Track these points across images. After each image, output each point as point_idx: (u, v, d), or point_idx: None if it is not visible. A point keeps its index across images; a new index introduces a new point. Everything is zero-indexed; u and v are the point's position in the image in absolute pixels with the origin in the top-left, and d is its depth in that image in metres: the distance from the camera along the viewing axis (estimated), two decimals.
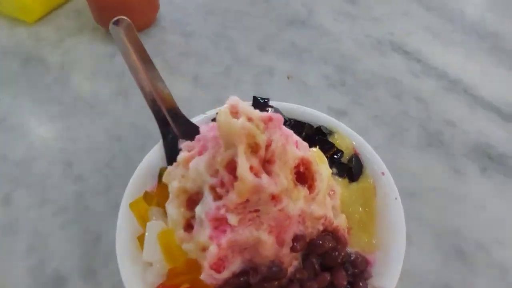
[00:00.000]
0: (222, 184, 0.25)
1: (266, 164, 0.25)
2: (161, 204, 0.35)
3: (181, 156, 0.30)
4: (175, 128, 0.39)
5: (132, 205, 0.35)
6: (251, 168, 0.23)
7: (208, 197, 0.26)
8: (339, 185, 0.35)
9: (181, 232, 0.29)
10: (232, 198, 0.24)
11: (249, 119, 0.23)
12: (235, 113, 0.23)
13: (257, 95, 0.57)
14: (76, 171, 0.49)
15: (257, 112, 0.25)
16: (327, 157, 0.35)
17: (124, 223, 0.34)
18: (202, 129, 0.29)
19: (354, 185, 0.37)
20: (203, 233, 0.27)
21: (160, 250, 0.31)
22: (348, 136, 0.39)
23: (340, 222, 0.32)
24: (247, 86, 0.59)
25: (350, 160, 0.38)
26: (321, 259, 0.30)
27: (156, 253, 0.31)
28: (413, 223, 0.37)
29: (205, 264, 0.27)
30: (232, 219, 0.25)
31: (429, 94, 0.55)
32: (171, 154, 0.39)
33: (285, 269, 0.28)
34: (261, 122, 0.24)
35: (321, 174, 0.30)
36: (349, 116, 0.52)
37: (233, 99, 0.24)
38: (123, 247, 0.32)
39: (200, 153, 0.28)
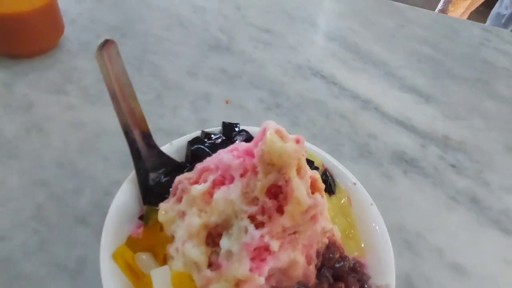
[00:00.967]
0: (263, 212, 0.24)
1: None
2: (149, 248, 0.31)
3: (199, 188, 0.27)
4: (146, 161, 0.35)
5: (115, 255, 0.30)
6: None
7: (248, 227, 0.24)
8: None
9: (207, 272, 0.26)
10: (281, 222, 0.24)
11: (297, 141, 0.23)
12: (280, 137, 0.23)
13: (198, 121, 0.56)
14: None
15: (289, 134, 0.25)
16: None
17: (110, 280, 0.29)
18: (218, 155, 0.27)
19: (333, 198, 0.40)
20: (239, 266, 0.25)
21: None
22: (316, 153, 0.42)
23: (336, 233, 0.35)
24: (186, 112, 0.57)
25: (322, 175, 0.41)
26: (332, 270, 0.32)
27: None
28: None
29: None
30: (275, 245, 0.25)
31: (349, 112, 0.63)
32: (145, 191, 0.35)
33: (310, 283, 0.29)
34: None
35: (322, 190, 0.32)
36: None
37: (272, 124, 0.24)
38: None
39: (221, 183, 0.27)
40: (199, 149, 0.38)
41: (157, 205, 0.32)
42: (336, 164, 0.41)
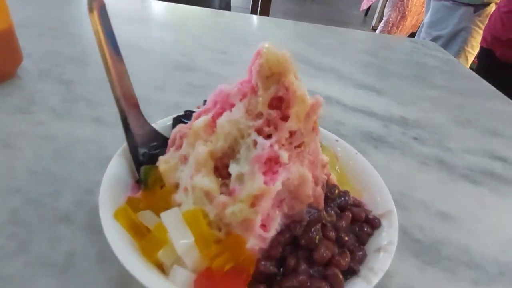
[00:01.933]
0: (269, 123, 0.26)
1: None
2: (150, 207, 0.30)
3: (200, 121, 0.28)
4: (136, 133, 0.35)
5: (117, 215, 0.29)
6: None
7: (257, 139, 0.25)
8: None
9: (222, 197, 0.26)
10: (288, 126, 0.25)
11: None
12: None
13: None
14: None
15: None
16: None
17: (116, 236, 0.27)
18: (215, 92, 0.28)
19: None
20: (253, 184, 0.25)
21: (191, 234, 0.26)
22: None
23: (332, 177, 0.36)
24: (161, 118, 0.58)
25: None
26: (336, 204, 0.33)
27: (186, 240, 0.26)
28: None
29: (256, 220, 0.26)
30: (284, 155, 0.26)
31: None
32: (136, 162, 0.34)
33: (322, 211, 0.29)
34: None
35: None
36: None
37: (267, 43, 0.26)
38: (135, 264, 0.25)
39: (222, 111, 0.27)
40: (185, 123, 0.38)
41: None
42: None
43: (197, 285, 0.25)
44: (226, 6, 1.45)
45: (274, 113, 0.25)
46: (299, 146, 0.27)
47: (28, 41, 0.74)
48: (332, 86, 0.77)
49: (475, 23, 1.72)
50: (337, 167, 0.40)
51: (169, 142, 0.31)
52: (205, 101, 0.42)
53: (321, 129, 0.43)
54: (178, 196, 0.28)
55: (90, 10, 0.29)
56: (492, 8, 1.66)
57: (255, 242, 0.26)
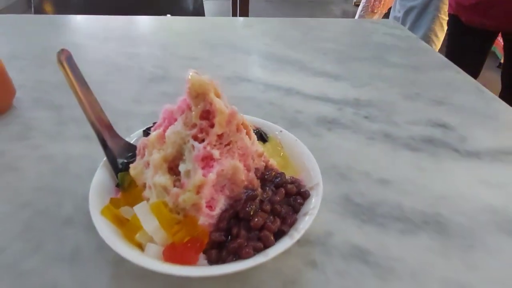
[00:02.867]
0: (201, 131, 0.35)
1: None
2: (128, 204, 0.39)
3: (154, 134, 0.37)
4: (112, 148, 0.44)
5: (103, 212, 0.38)
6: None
7: (194, 144, 0.34)
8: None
9: (175, 189, 0.35)
10: (215, 131, 0.34)
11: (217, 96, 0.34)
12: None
13: None
14: None
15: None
16: None
17: (103, 226, 0.36)
18: (163, 111, 0.37)
19: (267, 144, 0.50)
20: (195, 177, 0.34)
21: (156, 219, 0.35)
22: (248, 119, 0.53)
23: (272, 162, 0.45)
24: (139, 128, 0.67)
25: (255, 131, 0.52)
26: (273, 183, 0.42)
27: (153, 224, 0.35)
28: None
29: (202, 203, 0.35)
30: (216, 153, 0.35)
31: (277, 99, 0.76)
32: (115, 171, 0.43)
33: (257, 190, 0.38)
34: None
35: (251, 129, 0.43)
36: None
37: (192, 71, 0.35)
38: (121, 246, 0.34)
39: (169, 124, 0.37)
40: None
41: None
42: (263, 122, 0.53)
43: (165, 255, 0.34)
44: (200, 8, 1.53)
45: (204, 123, 0.34)
46: (228, 144, 0.36)
47: (18, 73, 0.83)
48: (293, 77, 0.86)
49: None
50: (281, 153, 0.49)
51: (137, 152, 0.41)
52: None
53: (268, 122, 0.53)
54: (146, 193, 0.38)
55: (59, 62, 0.38)
56: None
57: (205, 219, 0.35)
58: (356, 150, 0.63)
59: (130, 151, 0.46)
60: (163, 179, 0.35)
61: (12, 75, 0.75)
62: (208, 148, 0.34)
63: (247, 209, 0.36)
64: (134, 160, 0.43)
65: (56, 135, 0.65)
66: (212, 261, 0.34)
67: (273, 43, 1.04)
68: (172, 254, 0.34)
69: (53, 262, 0.44)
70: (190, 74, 0.34)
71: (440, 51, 1.72)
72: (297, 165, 0.47)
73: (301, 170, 0.47)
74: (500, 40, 1.71)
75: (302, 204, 0.41)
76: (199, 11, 1.50)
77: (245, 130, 0.38)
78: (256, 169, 0.40)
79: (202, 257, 0.34)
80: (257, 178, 0.40)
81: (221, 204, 0.36)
